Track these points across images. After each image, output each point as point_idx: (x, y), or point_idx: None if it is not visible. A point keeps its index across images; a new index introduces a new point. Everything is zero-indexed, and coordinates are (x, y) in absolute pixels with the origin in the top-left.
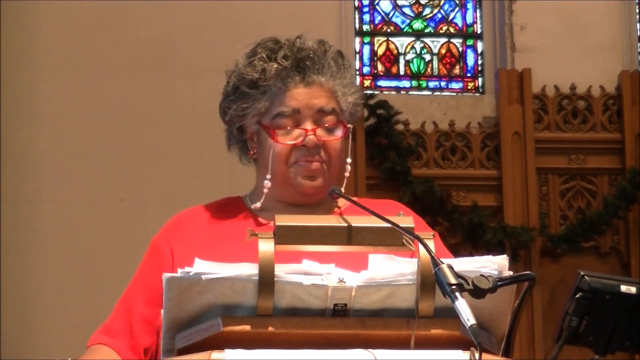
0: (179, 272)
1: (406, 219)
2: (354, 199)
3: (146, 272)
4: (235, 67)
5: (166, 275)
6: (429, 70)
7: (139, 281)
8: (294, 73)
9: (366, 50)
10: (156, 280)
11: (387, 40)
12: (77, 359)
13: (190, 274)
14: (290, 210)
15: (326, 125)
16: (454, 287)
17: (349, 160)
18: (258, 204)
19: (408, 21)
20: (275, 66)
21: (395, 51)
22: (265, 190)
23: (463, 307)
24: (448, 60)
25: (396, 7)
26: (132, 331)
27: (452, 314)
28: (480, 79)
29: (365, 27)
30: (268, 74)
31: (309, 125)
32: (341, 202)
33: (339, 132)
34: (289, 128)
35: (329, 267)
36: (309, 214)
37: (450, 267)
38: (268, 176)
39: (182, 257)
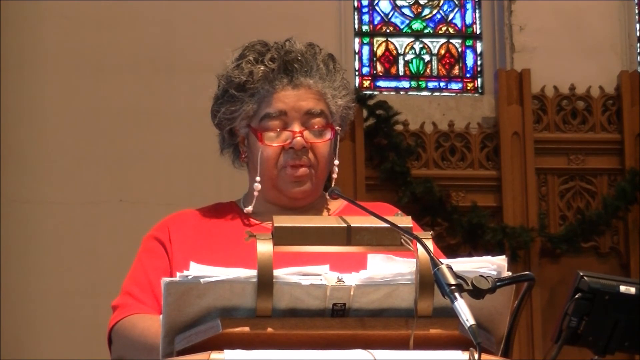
0: (178, 276)
1: (404, 219)
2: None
3: (149, 249)
4: (224, 71)
5: (165, 280)
6: (428, 70)
7: (144, 259)
8: (282, 75)
9: (365, 50)
10: (162, 256)
11: (387, 41)
12: (128, 334)
13: (189, 277)
14: (282, 213)
15: (315, 127)
16: (453, 287)
17: (336, 162)
18: (250, 208)
19: (407, 22)
20: (262, 69)
21: (395, 52)
22: (256, 194)
23: (462, 307)
24: (447, 61)
25: (395, 7)
26: (155, 294)
27: (450, 314)
28: (479, 80)
29: (365, 28)
30: (255, 77)
31: (296, 128)
32: (332, 205)
33: (328, 135)
34: (278, 130)
35: (323, 269)
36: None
37: (450, 268)
38: (257, 179)
39: (179, 250)
